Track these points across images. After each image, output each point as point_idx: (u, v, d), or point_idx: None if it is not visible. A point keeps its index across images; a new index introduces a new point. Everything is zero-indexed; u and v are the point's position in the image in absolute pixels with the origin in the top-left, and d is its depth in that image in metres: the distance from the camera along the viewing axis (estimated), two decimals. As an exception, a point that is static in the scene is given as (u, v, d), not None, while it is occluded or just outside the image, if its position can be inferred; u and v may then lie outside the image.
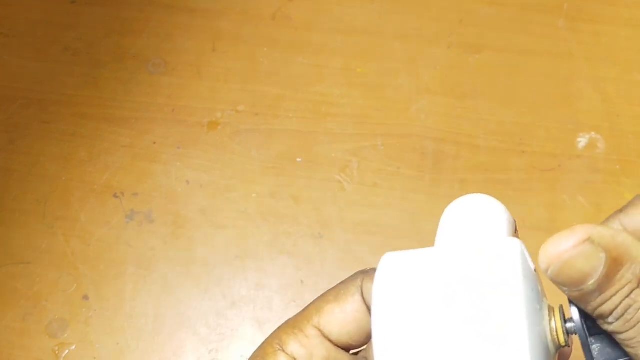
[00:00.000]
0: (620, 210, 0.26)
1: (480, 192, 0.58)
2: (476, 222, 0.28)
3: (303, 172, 0.57)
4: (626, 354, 0.23)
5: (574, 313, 0.24)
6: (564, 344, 0.25)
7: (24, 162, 0.57)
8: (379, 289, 0.25)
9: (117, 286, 0.52)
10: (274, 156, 0.57)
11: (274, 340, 0.29)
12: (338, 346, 0.30)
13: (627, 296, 0.22)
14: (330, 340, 0.29)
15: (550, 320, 0.25)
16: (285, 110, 0.59)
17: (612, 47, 0.62)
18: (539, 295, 0.25)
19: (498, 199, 0.34)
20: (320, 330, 0.29)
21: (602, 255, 0.21)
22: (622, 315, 0.22)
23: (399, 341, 0.24)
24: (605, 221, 0.26)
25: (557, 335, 0.25)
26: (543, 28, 0.63)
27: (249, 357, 0.30)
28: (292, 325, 0.30)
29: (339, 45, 0.62)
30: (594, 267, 0.21)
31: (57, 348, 0.50)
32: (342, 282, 0.30)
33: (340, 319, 0.29)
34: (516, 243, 0.25)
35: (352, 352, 0.31)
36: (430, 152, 0.58)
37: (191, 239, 0.54)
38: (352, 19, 0.64)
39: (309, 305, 0.30)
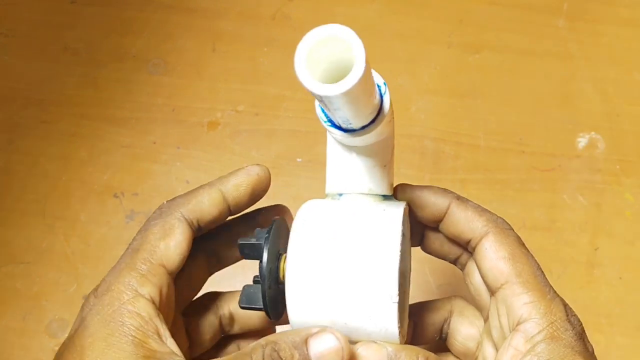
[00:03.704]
0: None
1: (480, 193, 0.58)
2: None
3: (303, 172, 0.57)
4: None
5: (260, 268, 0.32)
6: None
7: (24, 162, 0.57)
8: (296, 226, 0.32)
9: (117, 286, 0.52)
10: (274, 156, 0.57)
11: (125, 286, 0.30)
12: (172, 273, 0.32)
13: None
14: (170, 273, 0.32)
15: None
16: (285, 110, 0.59)
17: (612, 47, 0.62)
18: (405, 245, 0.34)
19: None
20: (164, 267, 0.32)
21: None
22: None
23: (308, 265, 0.31)
24: None
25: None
26: (543, 28, 0.63)
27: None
28: (134, 268, 0.31)
29: (339, 45, 0.62)
30: None
31: (57, 348, 0.50)
32: (158, 218, 0.33)
33: (178, 250, 0.32)
34: (400, 212, 0.32)
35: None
36: (430, 152, 0.58)
37: (191, 239, 0.54)
38: (352, 19, 0.64)
39: (140, 246, 0.32)
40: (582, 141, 0.58)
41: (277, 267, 0.33)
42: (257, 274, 0.33)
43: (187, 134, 0.58)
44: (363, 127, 0.29)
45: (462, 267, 0.36)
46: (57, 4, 0.65)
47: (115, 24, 0.64)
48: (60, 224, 0.55)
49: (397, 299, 0.30)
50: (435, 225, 0.35)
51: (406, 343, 0.32)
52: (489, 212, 0.34)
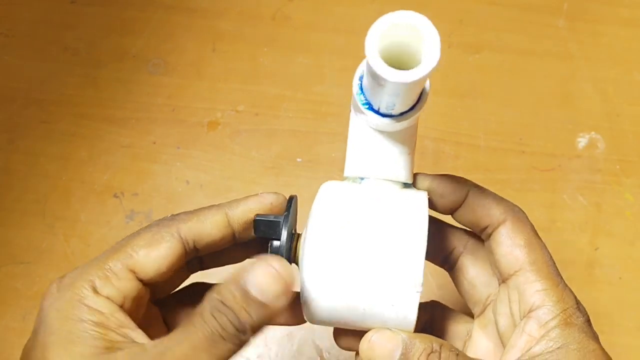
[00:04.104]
0: None
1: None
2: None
3: (303, 172, 0.57)
4: None
5: (276, 245, 0.31)
6: None
7: (24, 162, 0.57)
8: (317, 206, 0.31)
9: (117, 286, 0.52)
10: (274, 156, 0.57)
11: (87, 282, 0.30)
12: (147, 283, 0.32)
13: None
14: (140, 280, 0.31)
15: None
16: (285, 110, 0.59)
17: (612, 47, 0.62)
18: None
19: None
20: (134, 273, 0.31)
21: None
22: None
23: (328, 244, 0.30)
24: None
25: None
26: (543, 28, 0.63)
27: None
28: (101, 266, 0.31)
29: (339, 45, 0.62)
30: None
31: (57, 348, 0.50)
32: (154, 227, 0.32)
33: (157, 263, 0.31)
34: (426, 201, 0.32)
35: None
36: (430, 152, 0.58)
37: (191, 239, 0.54)
38: (352, 19, 0.64)
39: (121, 247, 0.32)
40: (582, 141, 0.58)
41: (290, 247, 0.32)
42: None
43: (187, 134, 0.58)
44: (402, 114, 0.29)
45: (452, 266, 0.36)
46: (57, 4, 0.65)
47: (115, 24, 0.64)
48: (60, 224, 0.55)
49: (421, 288, 0.29)
50: (452, 212, 0.35)
51: None
52: (507, 200, 0.34)
